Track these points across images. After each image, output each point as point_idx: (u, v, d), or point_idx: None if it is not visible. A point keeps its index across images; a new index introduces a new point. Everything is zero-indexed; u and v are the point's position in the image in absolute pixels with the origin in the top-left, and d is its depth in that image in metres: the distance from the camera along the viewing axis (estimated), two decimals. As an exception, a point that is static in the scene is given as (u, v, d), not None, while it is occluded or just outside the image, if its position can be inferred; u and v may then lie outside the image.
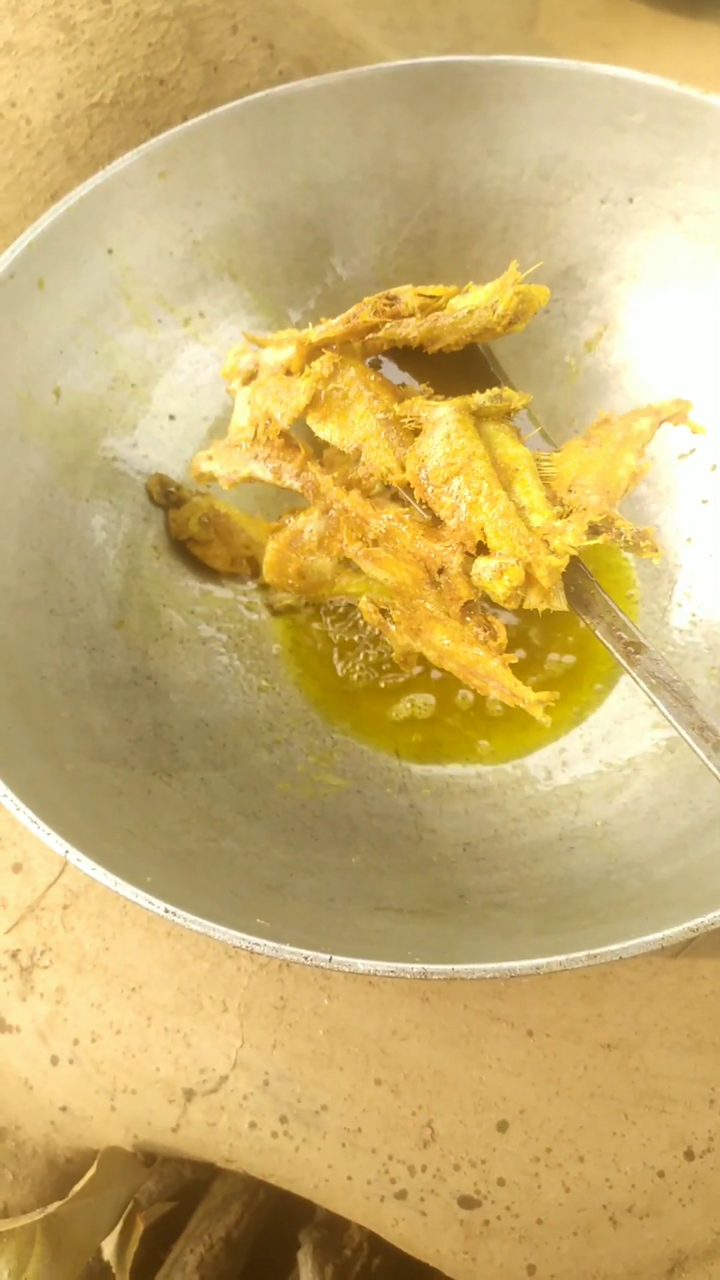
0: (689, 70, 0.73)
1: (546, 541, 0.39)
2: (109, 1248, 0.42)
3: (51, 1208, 0.39)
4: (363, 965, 0.32)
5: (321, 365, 0.44)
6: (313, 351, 0.45)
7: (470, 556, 0.41)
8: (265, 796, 0.45)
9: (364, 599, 0.44)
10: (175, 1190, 0.46)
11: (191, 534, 0.49)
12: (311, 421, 0.44)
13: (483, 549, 0.40)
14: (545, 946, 0.35)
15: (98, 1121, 0.43)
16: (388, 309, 0.43)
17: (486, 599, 0.41)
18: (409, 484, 0.42)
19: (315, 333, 0.45)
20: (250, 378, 0.48)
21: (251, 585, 0.52)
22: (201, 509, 0.49)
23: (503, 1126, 0.39)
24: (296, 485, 0.45)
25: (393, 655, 0.45)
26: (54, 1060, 0.43)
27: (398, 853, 0.44)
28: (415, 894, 0.41)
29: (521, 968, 0.32)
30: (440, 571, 0.41)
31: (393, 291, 0.43)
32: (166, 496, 0.49)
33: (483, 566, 0.40)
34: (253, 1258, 0.48)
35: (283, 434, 0.45)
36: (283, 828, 0.44)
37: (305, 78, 0.55)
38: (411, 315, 0.43)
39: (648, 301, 0.51)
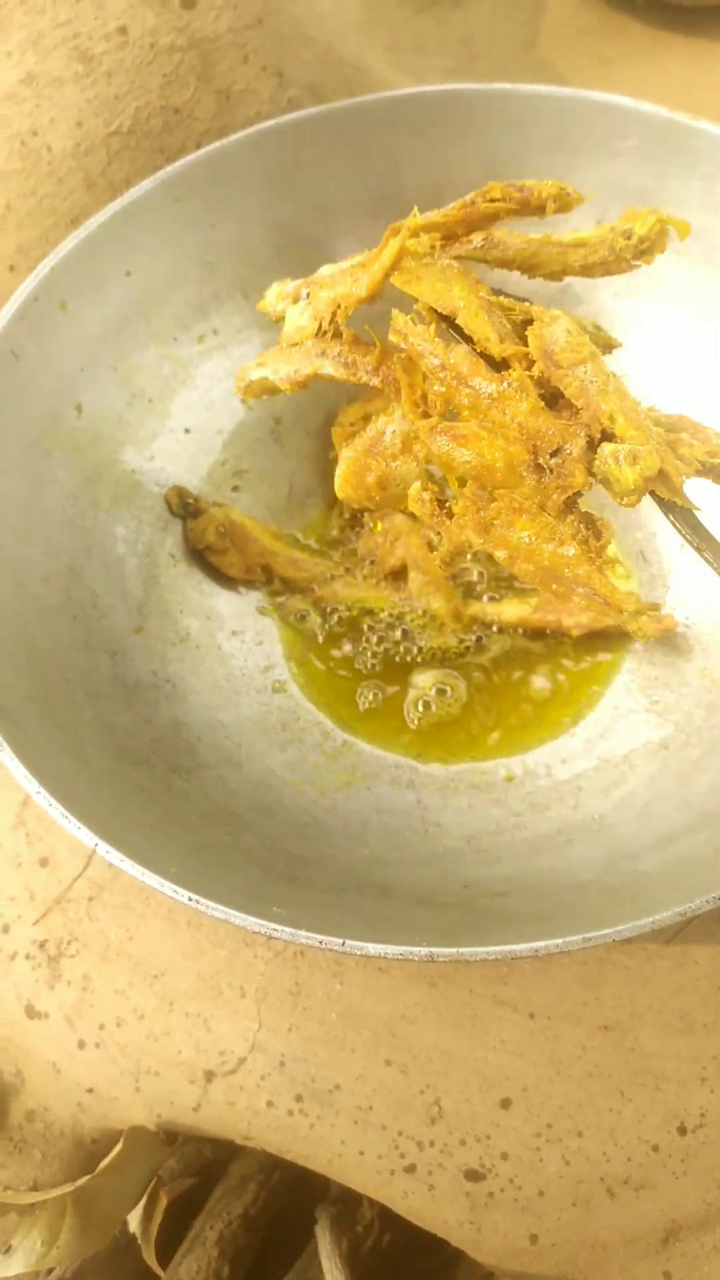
0: (685, 86, 0.75)
1: (672, 447, 0.38)
2: (134, 1220, 0.44)
3: (81, 1181, 0.42)
4: (374, 949, 0.34)
5: (412, 237, 0.40)
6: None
7: (592, 442, 0.37)
8: (279, 794, 0.47)
9: (415, 486, 0.41)
10: (196, 1168, 0.48)
11: (209, 543, 0.51)
12: (398, 281, 0.41)
13: (607, 438, 0.37)
14: (544, 931, 0.38)
15: (122, 1102, 0.45)
16: (516, 195, 0.40)
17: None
18: (521, 358, 0.38)
19: (415, 220, 0.41)
20: (298, 300, 0.44)
21: (265, 592, 0.54)
22: (218, 519, 0.51)
23: (506, 1104, 0.41)
24: (375, 381, 0.41)
25: (438, 552, 0.41)
26: (81, 1044, 0.45)
27: (406, 846, 0.46)
28: (422, 884, 0.43)
29: (521, 950, 0.34)
30: (554, 454, 0.37)
31: (525, 182, 0.40)
32: (185, 507, 0.52)
33: (615, 450, 0.36)
34: (269, 1234, 0.50)
35: (353, 336, 0.42)
36: (296, 823, 0.46)
37: (313, 104, 0.57)
38: (542, 208, 0.40)
39: (643, 317, 0.54)
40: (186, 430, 0.54)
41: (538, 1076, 0.42)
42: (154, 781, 0.45)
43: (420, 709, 0.50)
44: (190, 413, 0.54)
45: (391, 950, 0.34)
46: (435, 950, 0.34)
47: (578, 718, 0.50)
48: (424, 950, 0.34)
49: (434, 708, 0.50)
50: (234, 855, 0.43)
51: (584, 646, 0.51)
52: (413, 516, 0.50)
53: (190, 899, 0.35)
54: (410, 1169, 0.41)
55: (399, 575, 0.53)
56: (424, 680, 0.51)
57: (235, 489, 0.55)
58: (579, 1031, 0.42)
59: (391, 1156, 0.41)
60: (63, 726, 0.43)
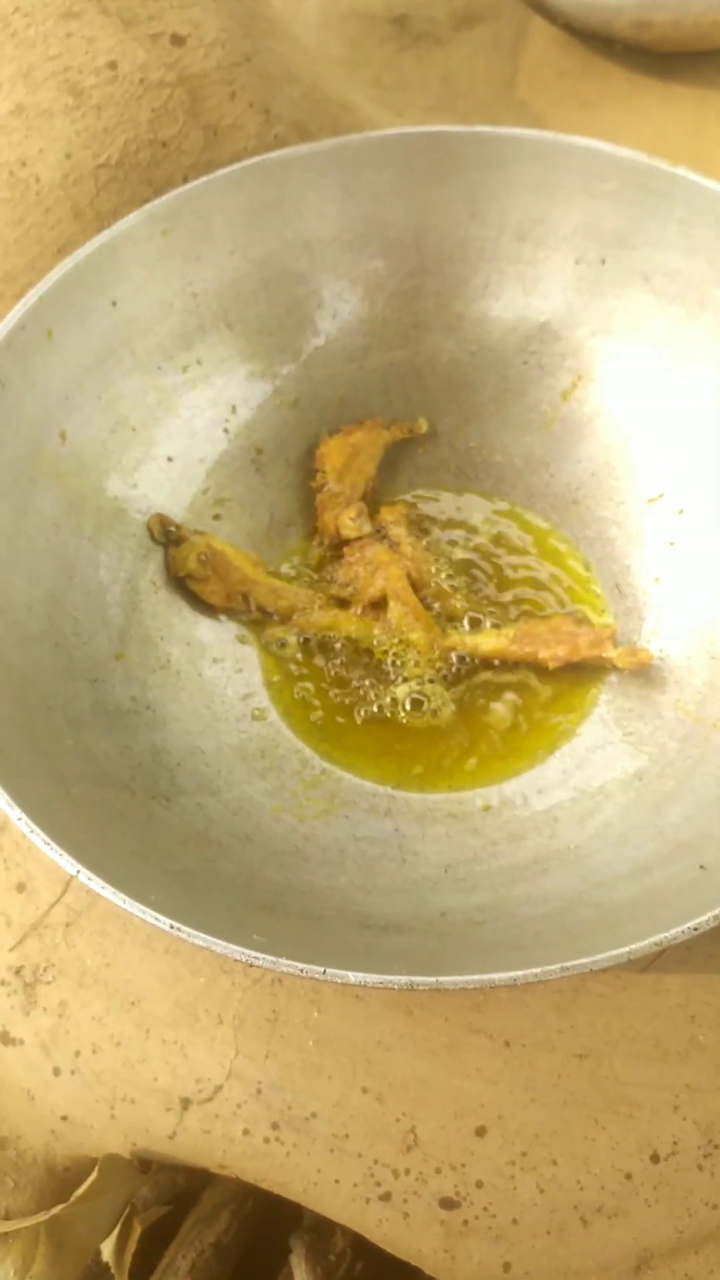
0: (660, 128, 0.77)
1: None
2: (107, 1249, 0.44)
3: (55, 1210, 0.41)
4: (354, 977, 0.35)
5: None
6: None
7: None
8: (258, 820, 0.48)
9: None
10: (169, 1196, 0.48)
11: (190, 571, 0.52)
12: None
13: None
14: (522, 961, 0.38)
15: (98, 1130, 0.45)
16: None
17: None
18: None
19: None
20: None
21: (244, 620, 0.54)
22: (200, 547, 0.52)
23: (481, 1132, 0.42)
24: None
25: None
26: (56, 1071, 0.45)
27: (383, 873, 0.46)
28: (400, 912, 0.44)
29: (499, 979, 0.34)
30: None
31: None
32: (167, 535, 0.52)
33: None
34: (241, 1262, 0.50)
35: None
36: (274, 850, 0.47)
37: (299, 140, 0.58)
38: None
39: (620, 354, 0.55)
40: (169, 459, 0.54)
41: (513, 1104, 0.42)
42: (134, 808, 0.45)
43: (399, 736, 0.51)
44: (173, 441, 0.55)
45: (371, 979, 0.35)
46: (415, 979, 0.34)
47: (553, 748, 0.50)
48: (403, 979, 0.35)
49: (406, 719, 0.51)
50: (213, 883, 0.43)
51: (559, 678, 0.52)
52: (391, 548, 0.51)
53: (171, 926, 0.36)
54: (385, 1197, 0.41)
55: (378, 605, 0.54)
56: (401, 692, 0.52)
57: (217, 517, 0.55)
58: (554, 1059, 0.43)
59: (367, 1185, 0.42)
60: (44, 753, 0.43)
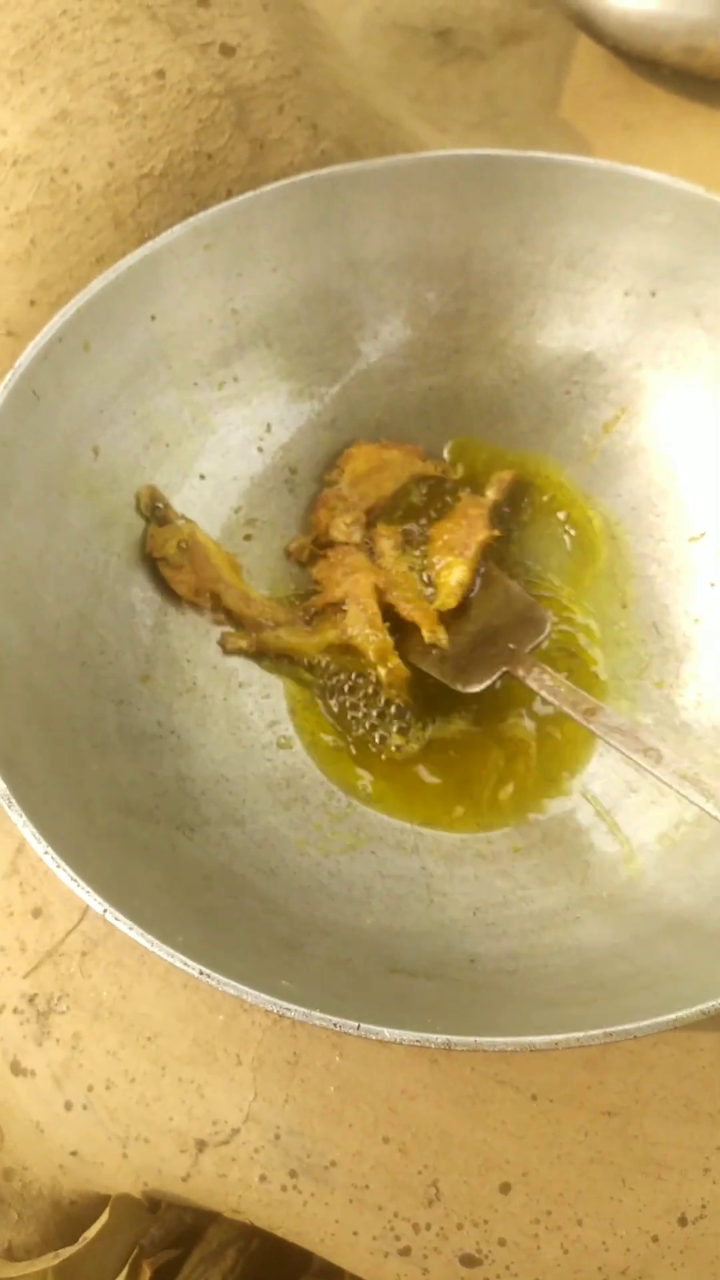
0: (706, 155, 0.76)
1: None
2: (115, 1292, 0.43)
3: (65, 1254, 0.40)
4: (389, 1034, 0.33)
5: None
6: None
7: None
8: (282, 854, 0.47)
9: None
10: (177, 1234, 0.47)
11: (166, 555, 0.50)
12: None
13: None
14: (559, 1019, 0.37)
15: (108, 1168, 0.44)
16: None
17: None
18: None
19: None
20: None
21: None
22: (182, 534, 0.51)
23: (505, 1188, 0.41)
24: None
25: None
26: (68, 1105, 0.44)
27: (410, 914, 0.45)
28: (428, 957, 0.43)
29: (540, 1043, 0.33)
30: None
31: None
32: (153, 511, 0.51)
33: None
34: (246, 1304, 0.49)
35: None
36: (299, 885, 0.45)
37: (346, 157, 0.57)
38: None
39: (666, 390, 0.54)
40: (202, 476, 0.53)
41: (539, 1160, 0.41)
42: (158, 838, 0.44)
43: (423, 769, 0.50)
44: (207, 459, 0.53)
45: (408, 1036, 0.33)
46: (453, 1039, 0.33)
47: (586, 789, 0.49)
48: (440, 1038, 0.33)
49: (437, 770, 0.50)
50: (238, 919, 0.42)
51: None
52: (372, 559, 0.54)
53: (202, 973, 0.35)
54: (405, 1252, 0.40)
55: (336, 607, 0.53)
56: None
57: (248, 538, 0.54)
58: (581, 1115, 0.41)
59: (386, 1238, 0.40)
60: (69, 779, 0.42)
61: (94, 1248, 0.41)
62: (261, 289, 0.53)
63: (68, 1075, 0.44)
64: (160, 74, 0.52)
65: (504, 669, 0.50)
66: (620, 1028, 0.33)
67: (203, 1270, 0.49)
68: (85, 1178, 0.44)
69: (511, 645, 0.51)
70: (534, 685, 0.48)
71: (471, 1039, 0.33)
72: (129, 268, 0.49)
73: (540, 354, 0.56)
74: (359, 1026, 0.34)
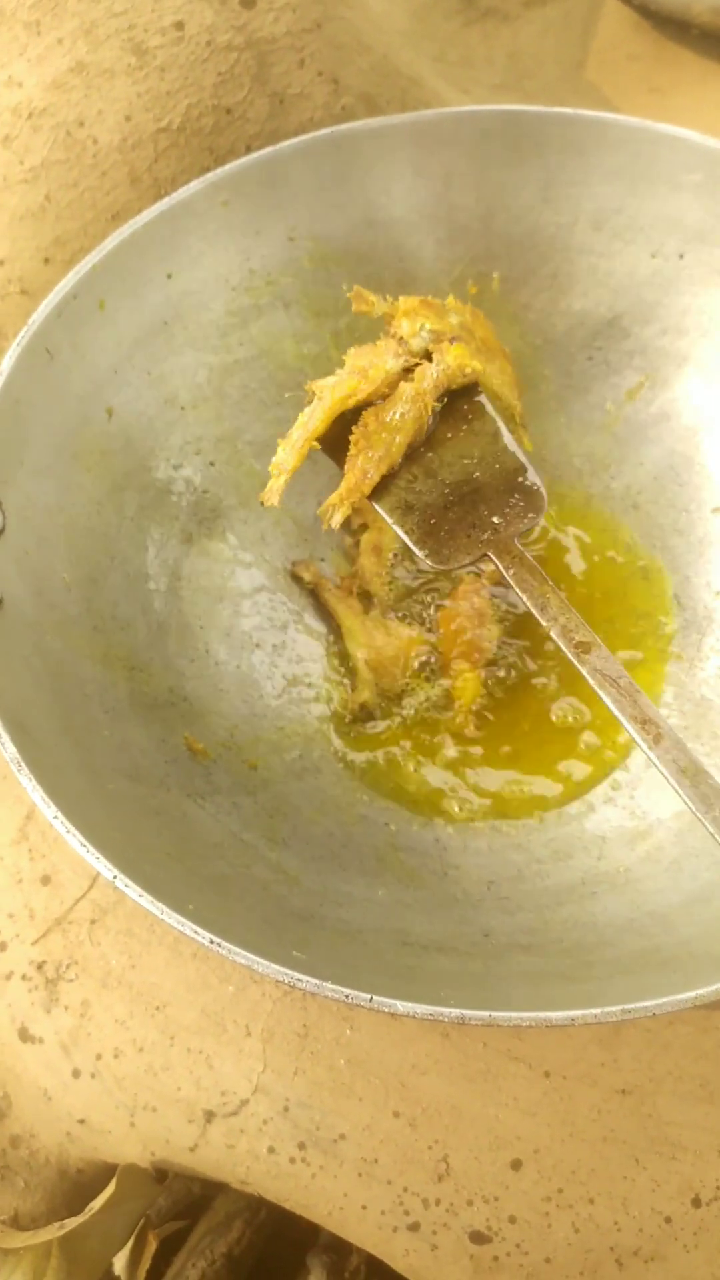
0: (734, 120, 0.74)
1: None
2: (120, 1263, 0.42)
3: (70, 1223, 0.40)
4: (402, 1007, 0.33)
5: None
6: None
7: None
8: (294, 823, 0.46)
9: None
10: (185, 1205, 0.47)
11: None
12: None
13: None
14: (574, 995, 0.36)
15: (115, 1136, 0.43)
16: None
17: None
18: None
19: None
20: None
21: (287, 606, 0.52)
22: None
23: (516, 1165, 0.40)
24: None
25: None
26: (75, 1073, 0.43)
27: (423, 887, 0.45)
28: (441, 930, 0.42)
29: (557, 1018, 0.33)
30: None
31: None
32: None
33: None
34: (252, 1275, 0.49)
35: None
36: (311, 855, 0.45)
37: (367, 113, 0.56)
38: None
39: (692, 356, 0.52)
40: (217, 440, 0.52)
41: (550, 1138, 0.40)
42: (169, 806, 0.43)
43: (440, 748, 0.49)
44: (222, 422, 0.52)
45: (420, 1010, 0.33)
46: (467, 1013, 0.32)
47: (608, 767, 0.48)
48: (454, 1012, 0.33)
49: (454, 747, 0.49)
50: (248, 889, 0.41)
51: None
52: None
53: (212, 941, 0.34)
54: (414, 1227, 0.40)
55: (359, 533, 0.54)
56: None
57: (263, 504, 0.53)
58: (595, 1094, 0.41)
59: (395, 1213, 0.40)
60: (79, 744, 0.42)
61: (100, 1218, 0.41)
62: (280, 248, 0.52)
63: (76, 1043, 0.44)
64: (179, 25, 0.51)
65: (484, 552, 0.42)
66: (639, 1005, 0.32)
67: (210, 1241, 0.48)
68: (92, 1146, 0.44)
69: (495, 519, 0.43)
70: (515, 585, 0.41)
71: (486, 1013, 0.33)
72: (145, 224, 0.48)
73: (563, 319, 0.54)
74: (371, 999, 0.33)
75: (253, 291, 0.52)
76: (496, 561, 0.42)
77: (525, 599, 0.41)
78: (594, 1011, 0.33)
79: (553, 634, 0.40)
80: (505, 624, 0.52)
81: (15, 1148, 0.45)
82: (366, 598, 0.52)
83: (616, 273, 0.53)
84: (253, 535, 0.53)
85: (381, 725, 0.50)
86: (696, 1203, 0.40)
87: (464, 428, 0.46)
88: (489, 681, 0.50)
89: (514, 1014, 0.33)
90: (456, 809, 0.48)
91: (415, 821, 0.47)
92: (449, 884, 0.45)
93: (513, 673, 0.50)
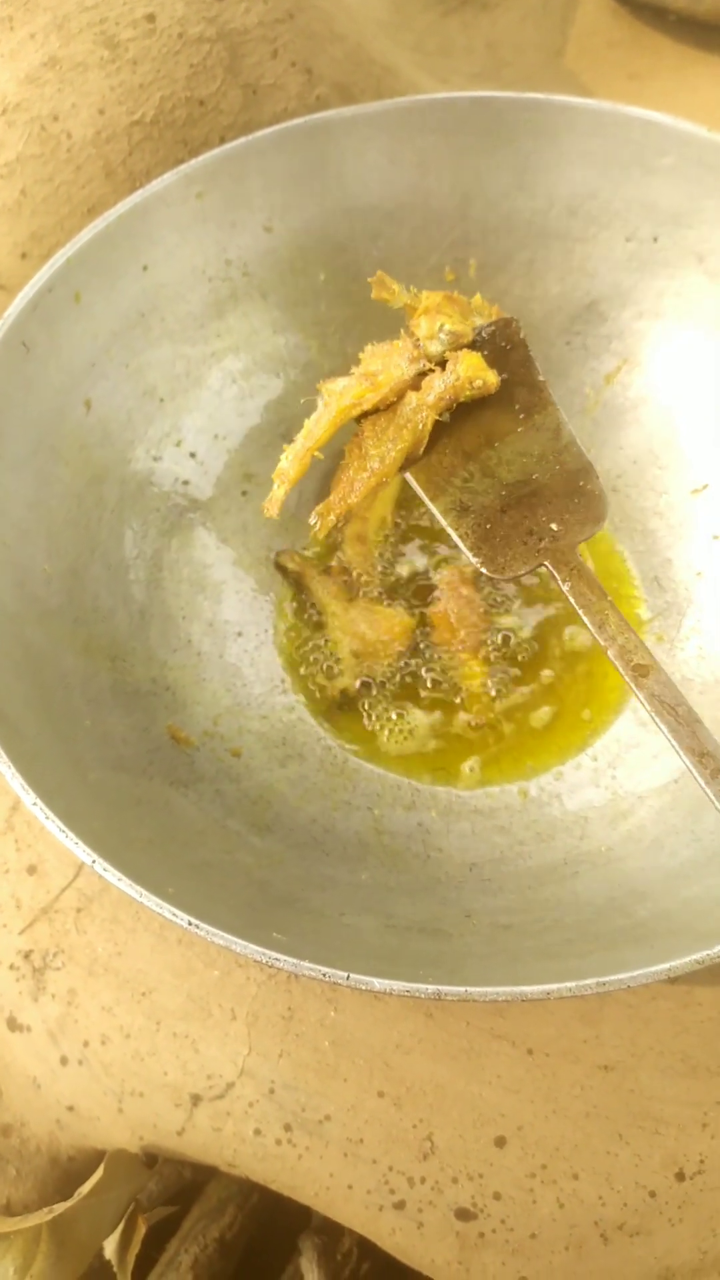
0: (713, 104, 0.74)
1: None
2: (110, 1247, 0.43)
3: (59, 1209, 0.40)
4: (379, 984, 0.33)
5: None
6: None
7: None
8: (278, 810, 0.46)
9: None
10: (175, 1190, 0.47)
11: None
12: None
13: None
14: (553, 971, 0.36)
15: (104, 1123, 0.44)
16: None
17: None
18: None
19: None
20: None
21: (269, 595, 0.53)
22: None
23: (500, 1142, 0.40)
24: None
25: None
26: (63, 1060, 0.44)
27: (407, 870, 0.45)
28: (424, 912, 0.42)
29: (532, 992, 0.33)
30: None
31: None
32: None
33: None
34: (245, 1259, 0.49)
35: None
36: (294, 842, 0.45)
37: (341, 103, 0.56)
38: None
39: (668, 339, 0.53)
40: (197, 431, 0.53)
41: (534, 1115, 0.41)
42: (151, 794, 0.43)
43: (418, 724, 0.49)
44: (201, 413, 0.53)
45: (397, 986, 0.33)
46: (442, 989, 0.33)
47: (584, 746, 0.49)
48: (430, 988, 0.33)
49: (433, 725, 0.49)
50: (231, 874, 0.41)
51: (594, 671, 0.50)
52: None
53: (190, 924, 0.34)
54: (400, 1205, 0.40)
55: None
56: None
57: (244, 493, 0.53)
58: (577, 1070, 0.41)
59: (381, 1192, 0.40)
60: (61, 734, 0.42)
61: (88, 1203, 0.41)
62: (255, 238, 0.52)
63: (63, 1031, 0.44)
64: (150, 18, 0.51)
65: (541, 561, 0.40)
66: (614, 977, 0.33)
67: (203, 1226, 0.49)
68: (82, 1133, 0.44)
69: (554, 525, 0.41)
70: (573, 599, 0.39)
71: (462, 989, 0.33)
72: (119, 217, 0.48)
73: (540, 304, 0.54)
74: (348, 976, 0.33)
75: (229, 282, 0.52)
76: (554, 572, 0.40)
77: (582, 614, 0.39)
78: (569, 985, 0.33)
79: (609, 654, 0.38)
80: (495, 610, 0.52)
81: (6, 1136, 0.46)
82: (351, 586, 0.53)
83: (592, 257, 0.53)
84: (234, 525, 0.53)
85: (374, 709, 0.50)
86: (680, 1176, 0.40)
87: (525, 421, 0.43)
88: (492, 659, 0.50)
89: (489, 989, 0.33)
90: (467, 769, 0.48)
91: (399, 805, 0.48)
92: (432, 866, 0.45)
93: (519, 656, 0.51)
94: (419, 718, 0.50)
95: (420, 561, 0.54)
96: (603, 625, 0.39)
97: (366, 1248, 0.47)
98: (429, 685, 0.50)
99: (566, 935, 0.40)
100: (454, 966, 0.38)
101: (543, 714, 0.50)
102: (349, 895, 0.43)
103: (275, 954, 0.34)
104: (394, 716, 0.50)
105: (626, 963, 0.34)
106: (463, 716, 0.50)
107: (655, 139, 0.49)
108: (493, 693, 0.50)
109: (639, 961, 0.34)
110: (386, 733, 0.49)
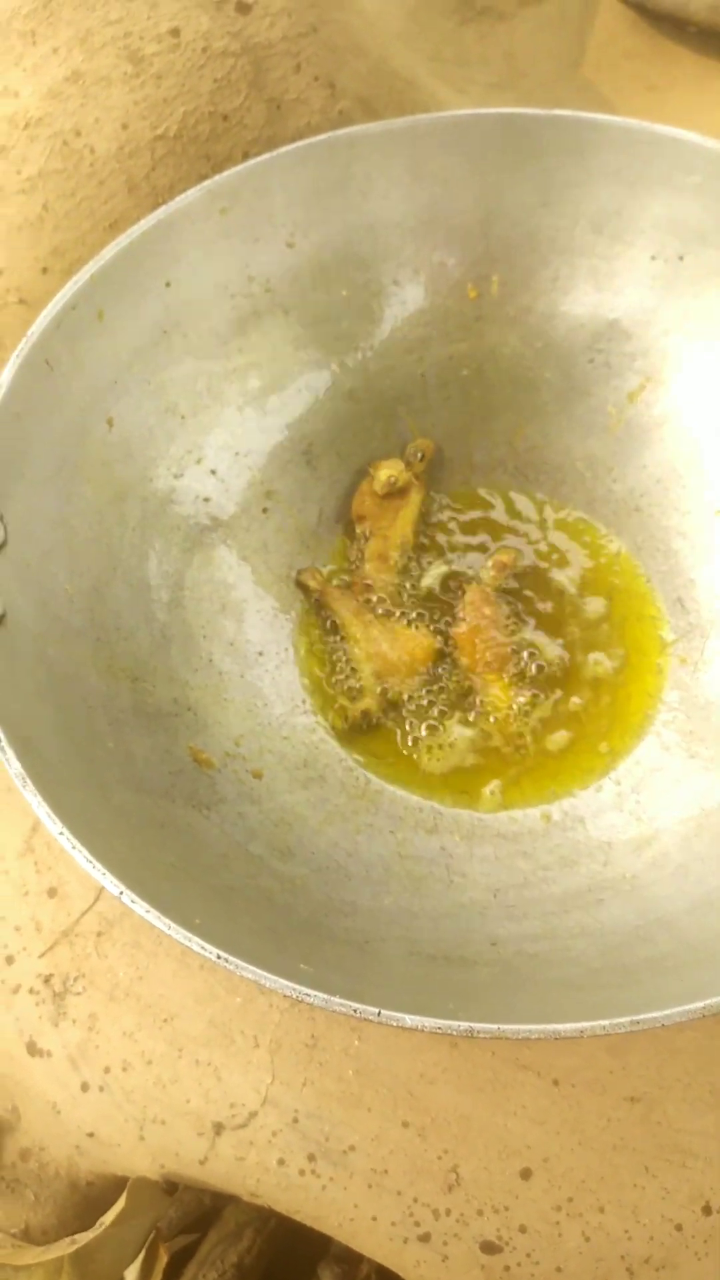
0: (732, 118, 0.73)
1: None
2: (131, 1276, 0.42)
3: (82, 1239, 0.40)
4: (410, 1020, 0.33)
5: None
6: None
7: None
8: (300, 833, 0.46)
9: None
10: (195, 1217, 0.47)
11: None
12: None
13: None
14: (583, 1004, 0.36)
15: (124, 1149, 0.43)
16: None
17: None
18: None
19: None
20: None
21: (290, 614, 0.52)
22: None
23: (526, 1174, 0.40)
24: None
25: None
26: (84, 1086, 0.43)
27: (430, 895, 0.45)
28: (448, 939, 0.42)
29: (566, 1030, 0.32)
30: None
31: None
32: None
33: None
34: (263, 1283, 0.49)
35: None
36: (317, 866, 0.45)
37: (364, 117, 0.56)
38: None
39: (692, 358, 0.52)
40: (218, 448, 0.52)
41: (560, 1147, 0.40)
42: (174, 817, 0.43)
43: (443, 748, 0.49)
44: (223, 430, 0.52)
45: (429, 1023, 0.33)
46: (475, 1026, 0.32)
47: (607, 770, 0.48)
48: (463, 1025, 0.33)
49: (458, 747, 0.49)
50: (255, 900, 0.41)
51: (617, 696, 0.50)
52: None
53: (219, 957, 0.34)
54: (424, 1238, 0.40)
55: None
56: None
57: (265, 510, 0.53)
58: (604, 1101, 0.41)
59: (406, 1224, 0.40)
60: (84, 757, 0.41)
61: (111, 1233, 0.41)
62: (278, 254, 0.52)
63: (84, 1056, 0.44)
64: (174, 32, 0.51)
65: None
66: (647, 1015, 0.32)
67: (220, 1251, 0.48)
68: (102, 1159, 0.44)
69: None
70: None
71: (495, 1026, 0.32)
72: (143, 233, 0.48)
73: (564, 321, 0.54)
74: (379, 1013, 0.33)
75: (251, 298, 0.52)
76: None
77: None
78: (603, 1023, 0.32)
79: None
80: (517, 626, 0.52)
81: (25, 1160, 0.45)
82: (372, 605, 0.52)
83: (617, 274, 0.53)
84: (255, 543, 0.52)
85: (404, 726, 0.50)
86: (707, 1210, 0.40)
87: None
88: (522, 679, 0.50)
89: (523, 1027, 0.32)
90: (488, 792, 0.48)
91: (422, 828, 0.47)
92: (455, 892, 0.45)
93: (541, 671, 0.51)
94: (458, 732, 0.49)
95: (442, 574, 0.53)
96: None
97: (385, 1276, 0.46)
98: (453, 706, 0.50)
99: (594, 965, 0.39)
100: (481, 997, 0.38)
101: (558, 738, 0.49)
102: (372, 921, 0.42)
103: (305, 989, 0.33)
104: (424, 732, 0.49)
105: (657, 996, 0.34)
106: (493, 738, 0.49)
107: (683, 157, 0.49)
108: (520, 714, 0.49)
109: (670, 995, 0.34)
110: (422, 750, 0.49)
